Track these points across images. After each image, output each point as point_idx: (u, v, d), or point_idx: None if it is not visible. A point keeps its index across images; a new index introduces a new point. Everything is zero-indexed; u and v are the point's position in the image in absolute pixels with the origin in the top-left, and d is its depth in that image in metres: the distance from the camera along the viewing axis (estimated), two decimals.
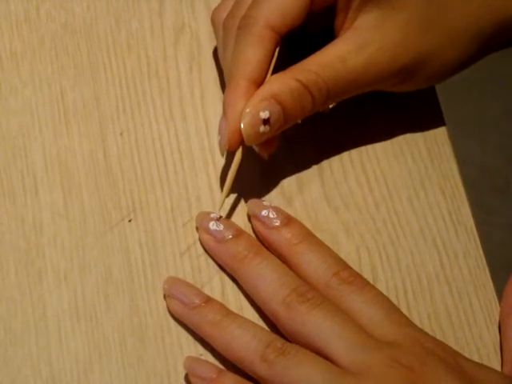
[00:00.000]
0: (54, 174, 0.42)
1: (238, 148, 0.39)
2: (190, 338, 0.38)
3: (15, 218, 0.41)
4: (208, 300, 0.38)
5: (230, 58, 0.40)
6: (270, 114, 0.38)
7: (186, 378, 0.37)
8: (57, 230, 0.40)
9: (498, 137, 1.19)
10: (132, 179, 0.42)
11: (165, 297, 0.39)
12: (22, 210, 0.41)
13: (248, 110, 0.38)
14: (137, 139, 0.43)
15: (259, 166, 0.42)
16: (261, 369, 0.35)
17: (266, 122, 0.38)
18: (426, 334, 0.37)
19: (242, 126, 0.38)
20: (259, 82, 0.39)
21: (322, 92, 0.39)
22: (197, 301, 0.38)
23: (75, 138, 0.43)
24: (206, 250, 0.40)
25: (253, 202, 0.41)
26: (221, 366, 0.37)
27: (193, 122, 0.43)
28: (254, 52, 0.39)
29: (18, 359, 0.38)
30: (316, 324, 0.36)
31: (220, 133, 0.39)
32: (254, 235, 0.40)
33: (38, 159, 0.42)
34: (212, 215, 0.40)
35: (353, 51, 0.39)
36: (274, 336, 0.37)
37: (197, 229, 0.40)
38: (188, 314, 0.38)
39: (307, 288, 0.37)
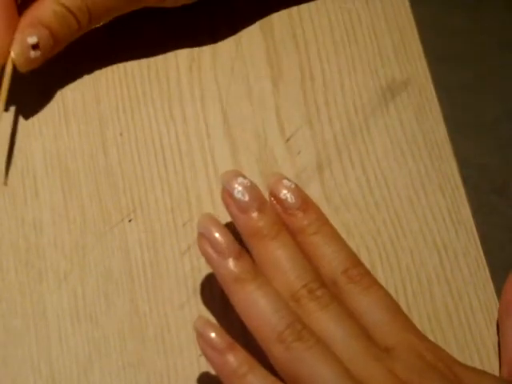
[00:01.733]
0: (54, 174, 0.42)
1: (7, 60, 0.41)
2: (190, 337, 0.38)
3: (15, 217, 0.41)
4: (239, 256, 0.36)
5: None
6: (39, 39, 0.40)
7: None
8: (57, 230, 0.40)
9: (498, 137, 1.19)
10: (132, 179, 0.42)
11: (199, 234, 0.37)
12: (22, 210, 0.41)
13: (16, 38, 0.40)
14: (137, 139, 0.43)
15: (259, 165, 0.42)
16: (275, 349, 0.35)
17: (35, 47, 0.40)
18: (425, 339, 0.37)
19: (13, 55, 0.40)
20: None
21: (84, 13, 0.41)
22: (227, 253, 0.36)
23: (75, 138, 0.43)
24: (227, 209, 0.38)
25: (275, 178, 0.39)
26: None
27: (193, 122, 0.43)
28: None
29: (18, 359, 0.38)
30: (320, 326, 0.35)
31: None
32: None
33: (38, 159, 0.42)
34: (239, 180, 0.38)
35: None
36: (296, 317, 0.35)
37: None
38: (216, 261, 0.36)
39: (318, 285, 0.37)
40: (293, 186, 0.39)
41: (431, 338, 0.38)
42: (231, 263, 0.36)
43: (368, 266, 0.40)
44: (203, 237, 0.37)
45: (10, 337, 0.38)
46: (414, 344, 0.36)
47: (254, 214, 0.37)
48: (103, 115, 0.43)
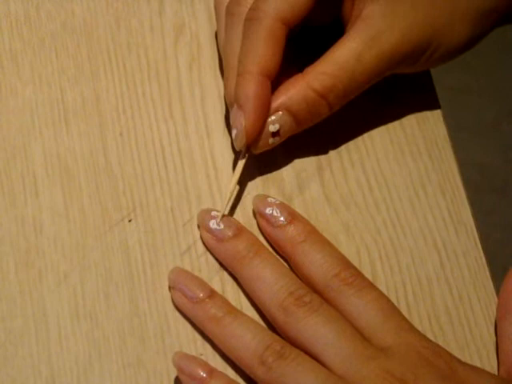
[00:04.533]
0: (54, 173, 0.42)
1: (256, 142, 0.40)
2: (190, 337, 0.38)
3: (15, 218, 0.41)
4: (212, 295, 0.38)
5: (240, 51, 0.39)
6: (281, 126, 0.39)
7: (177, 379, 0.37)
8: (57, 230, 0.40)
9: (498, 137, 1.19)
10: (132, 179, 0.42)
11: (170, 288, 0.39)
12: (22, 210, 0.41)
13: None
14: (137, 139, 0.43)
15: (259, 165, 0.42)
16: (258, 371, 0.35)
17: (275, 134, 0.39)
18: (423, 338, 0.37)
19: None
20: (273, 76, 0.39)
21: (339, 95, 0.39)
22: (201, 295, 0.38)
23: (75, 138, 0.43)
24: (207, 248, 0.40)
25: (258, 198, 0.41)
26: (223, 364, 0.38)
27: (193, 122, 0.43)
28: (266, 46, 0.38)
29: (18, 359, 0.38)
30: (312, 331, 0.36)
31: (236, 126, 0.39)
32: (258, 229, 0.41)
33: (37, 159, 0.42)
34: (213, 213, 0.40)
35: (367, 44, 0.39)
36: (274, 337, 0.36)
37: (198, 227, 0.40)
38: (191, 308, 0.38)
39: (305, 291, 0.37)
40: (277, 201, 0.40)
41: (431, 337, 0.38)
42: (204, 305, 0.38)
43: (368, 265, 0.40)
44: (174, 289, 0.39)
45: (10, 337, 0.38)
46: (412, 342, 0.36)
47: (231, 240, 0.39)
48: (103, 115, 0.43)
